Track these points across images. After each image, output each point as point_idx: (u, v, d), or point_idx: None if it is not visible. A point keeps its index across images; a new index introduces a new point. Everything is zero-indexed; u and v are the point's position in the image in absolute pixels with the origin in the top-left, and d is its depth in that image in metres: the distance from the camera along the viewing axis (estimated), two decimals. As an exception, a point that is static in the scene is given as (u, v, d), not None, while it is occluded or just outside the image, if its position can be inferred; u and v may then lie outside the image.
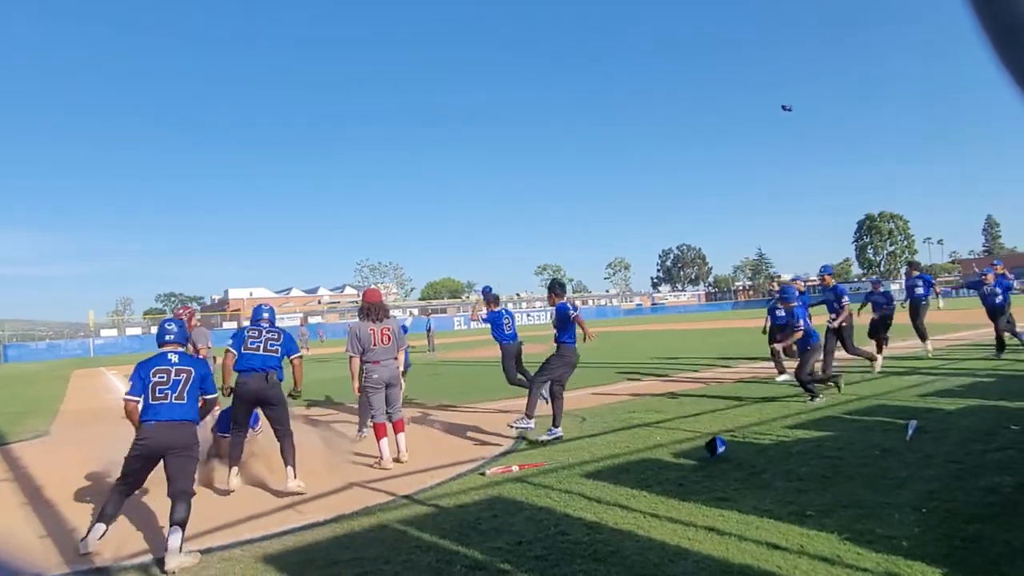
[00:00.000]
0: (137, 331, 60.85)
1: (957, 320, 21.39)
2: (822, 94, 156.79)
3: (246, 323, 6.13)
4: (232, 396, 5.87)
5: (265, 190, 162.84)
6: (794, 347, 10.18)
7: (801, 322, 8.70)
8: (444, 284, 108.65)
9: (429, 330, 26.93)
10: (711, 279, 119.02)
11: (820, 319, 9.73)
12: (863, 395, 8.47)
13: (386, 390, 6.55)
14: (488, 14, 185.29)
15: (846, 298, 10.02)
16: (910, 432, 6.02)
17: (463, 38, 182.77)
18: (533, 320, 65.11)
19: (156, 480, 5.10)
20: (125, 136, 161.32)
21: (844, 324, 9.91)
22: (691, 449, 6.10)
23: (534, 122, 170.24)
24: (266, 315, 6.23)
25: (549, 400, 7.34)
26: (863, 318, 12.15)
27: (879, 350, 11.49)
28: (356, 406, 8.44)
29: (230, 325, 63.84)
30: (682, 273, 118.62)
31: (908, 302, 12.77)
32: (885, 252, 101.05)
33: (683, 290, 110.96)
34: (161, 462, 4.44)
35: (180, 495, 4.28)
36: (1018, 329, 11.80)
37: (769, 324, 11.59)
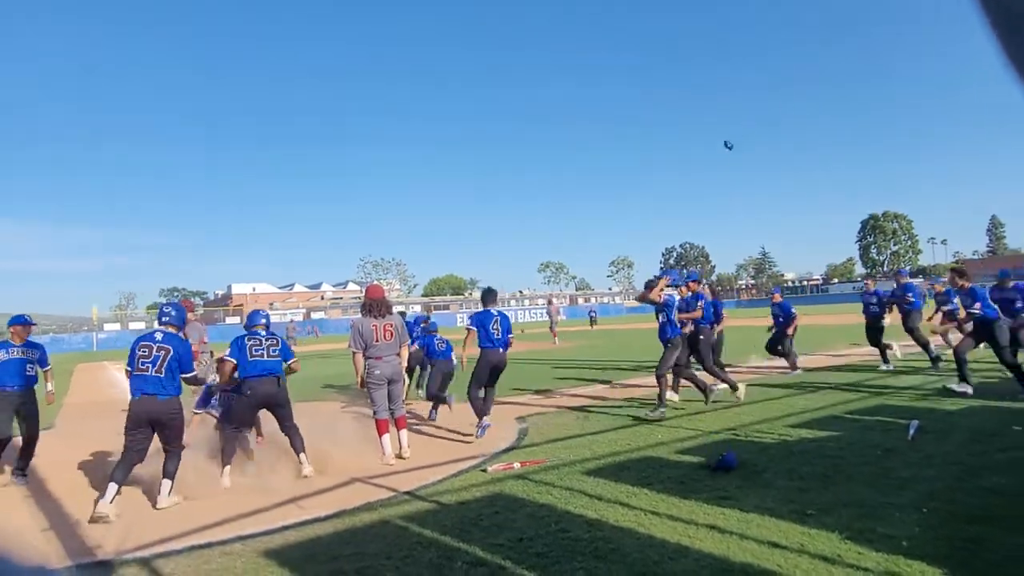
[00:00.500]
0: (140, 325, 60.82)
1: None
2: (826, 93, 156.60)
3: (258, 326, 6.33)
4: (241, 398, 6.12)
5: (268, 185, 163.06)
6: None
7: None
8: (447, 281, 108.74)
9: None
10: (714, 277, 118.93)
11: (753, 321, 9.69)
12: (865, 394, 8.46)
13: (388, 386, 6.55)
14: (479, 13, 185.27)
15: (701, 301, 9.24)
16: (912, 432, 6.01)
17: (468, 34, 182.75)
18: (535, 317, 65.77)
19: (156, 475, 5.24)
20: (128, 131, 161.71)
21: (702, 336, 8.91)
22: (693, 447, 6.10)
23: (536, 119, 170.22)
24: (263, 321, 6.43)
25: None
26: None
27: (884, 358, 10.97)
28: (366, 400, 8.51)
29: (233, 320, 64.10)
30: (685, 271, 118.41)
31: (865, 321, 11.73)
32: (889, 252, 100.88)
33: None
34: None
35: (170, 452, 5.28)
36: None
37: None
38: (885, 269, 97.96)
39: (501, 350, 7.39)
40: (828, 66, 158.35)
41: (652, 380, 9.89)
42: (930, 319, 11.32)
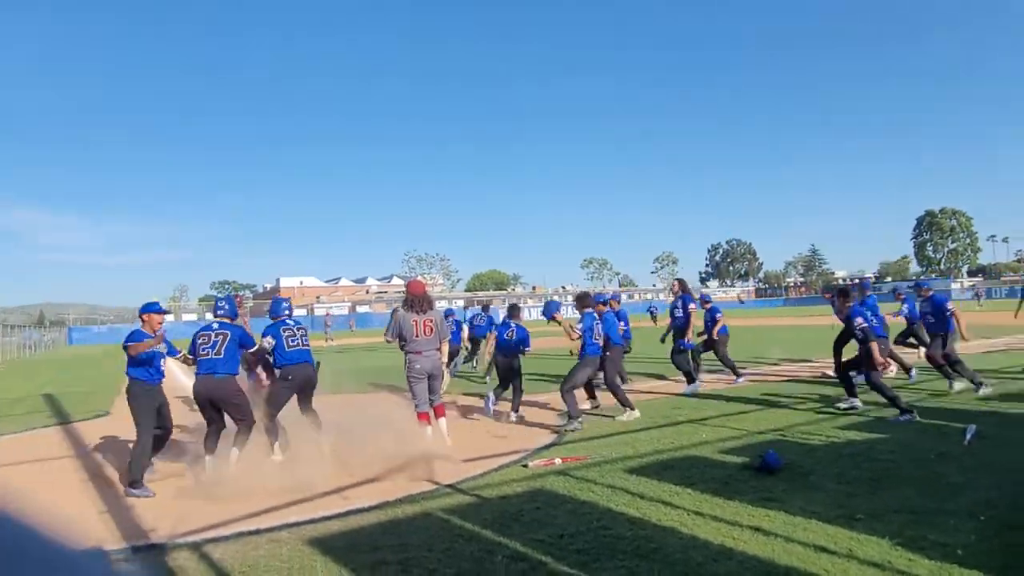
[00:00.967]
0: (192, 317, 62.79)
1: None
2: (884, 89, 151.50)
3: (297, 311, 6.78)
4: (282, 383, 6.51)
5: (318, 181, 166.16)
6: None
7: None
8: (490, 276, 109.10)
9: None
10: (761, 275, 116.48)
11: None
12: (919, 397, 8.18)
13: (428, 380, 6.66)
14: (536, 13, 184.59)
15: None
16: (969, 436, 5.78)
17: (519, 30, 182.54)
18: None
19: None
20: (182, 129, 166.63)
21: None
22: (737, 448, 6.00)
23: (579, 114, 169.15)
24: (286, 307, 6.94)
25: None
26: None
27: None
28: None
29: (280, 313, 65.32)
30: (731, 268, 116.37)
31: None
32: (946, 250, 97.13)
33: (732, 285, 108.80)
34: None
35: (240, 425, 5.87)
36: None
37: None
38: (942, 267, 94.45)
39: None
40: (886, 60, 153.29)
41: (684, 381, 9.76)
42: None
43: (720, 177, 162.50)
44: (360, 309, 71.68)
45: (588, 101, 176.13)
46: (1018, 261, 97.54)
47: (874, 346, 7.06)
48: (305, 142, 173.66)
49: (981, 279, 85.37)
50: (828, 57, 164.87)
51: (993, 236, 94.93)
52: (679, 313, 9.75)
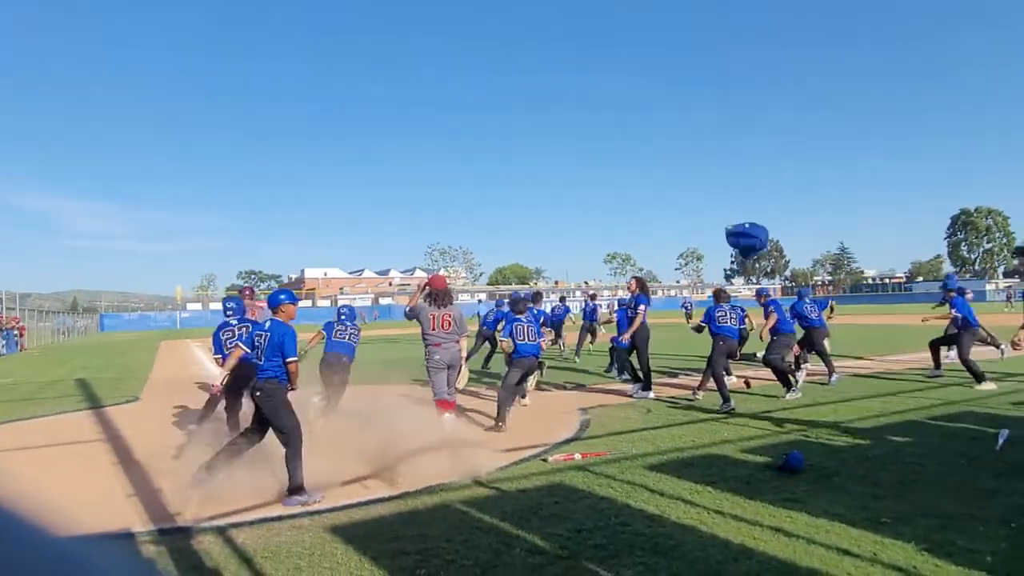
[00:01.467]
0: (219, 306, 63.73)
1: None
2: (921, 85, 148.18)
3: (321, 302, 7.44)
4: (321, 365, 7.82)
5: (342, 173, 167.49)
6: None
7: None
8: (512, 270, 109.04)
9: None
10: (788, 272, 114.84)
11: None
12: (951, 400, 8.00)
13: (447, 371, 6.81)
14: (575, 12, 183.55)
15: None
16: (1001, 441, 5.63)
17: (549, 22, 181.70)
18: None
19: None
20: (218, 120, 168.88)
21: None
22: (759, 447, 5.92)
23: (606, 106, 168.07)
24: (345, 312, 8.37)
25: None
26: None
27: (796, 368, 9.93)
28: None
29: (305, 303, 66.26)
30: (757, 265, 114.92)
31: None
32: (981, 250, 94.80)
33: (758, 283, 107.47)
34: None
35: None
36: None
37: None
38: (977, 268, 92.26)
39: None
40: (920, 57, 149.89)
41: (701, 378, 9.65)
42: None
43: (747, 174, 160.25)
44: (383, 301, 72.15)
45: (617, 94, 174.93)
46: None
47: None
48: (332, 133, 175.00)
49: (1017, 280, 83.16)
50: (860, 54, 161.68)
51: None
52: (630, 313, 9.55)
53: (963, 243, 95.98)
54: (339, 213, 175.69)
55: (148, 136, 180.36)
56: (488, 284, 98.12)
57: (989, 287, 68.37)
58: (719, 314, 8.81)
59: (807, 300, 10.48)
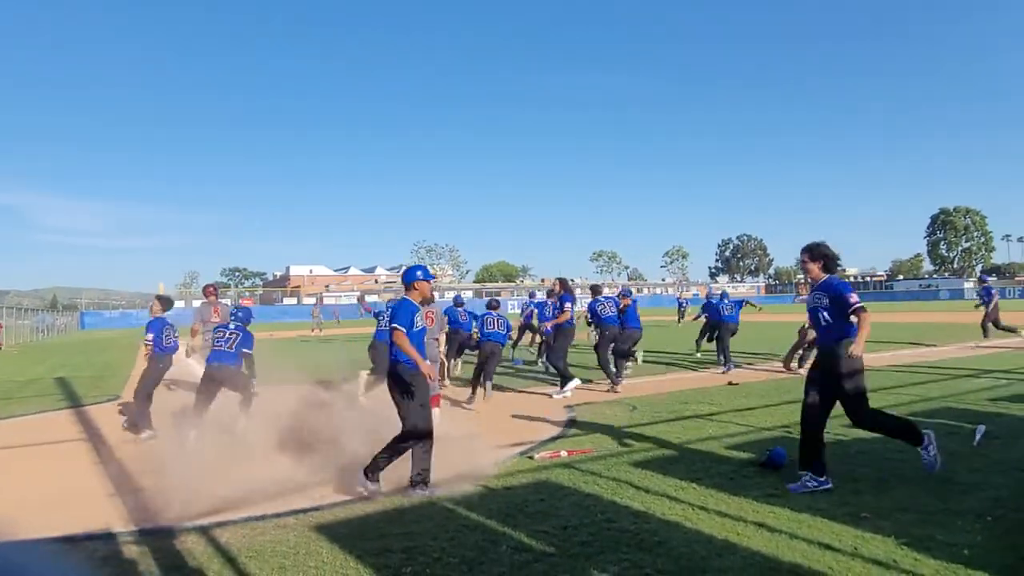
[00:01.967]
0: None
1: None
2: (896, 84, 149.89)
3: (307, 299, 7.48)
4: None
5: (328, 170, 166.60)
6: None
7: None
8: (499, 268, 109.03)
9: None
10: (771, 271, 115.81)
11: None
12: (929, 396, 8.13)
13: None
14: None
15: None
16: (978, 437, 5.74)
17: (532, 22, 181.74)
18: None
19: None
20: (197, 115, 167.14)
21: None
22: (743, 443, 5.98)
23: (591, 106, 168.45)
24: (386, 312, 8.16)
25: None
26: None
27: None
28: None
29: (290, 301, 65.98)
30: (741, 264, 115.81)
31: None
32: (960, 249, 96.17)
33: (742, 281, 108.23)
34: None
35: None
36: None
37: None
38: (955, 266, 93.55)
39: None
40: (900, 56, 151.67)
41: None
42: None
43: (731, 172, 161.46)
44: (369, 298, 71.85)
45: (601, 93, 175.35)
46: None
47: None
48: (317, 131, 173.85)
49: (994, 278, 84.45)
50: (841, 52, 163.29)
51: (1008, 236, 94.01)
52: (554, 312, 10.07)
53: (942, 242, 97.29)
54: (325, 211, 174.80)
55: (132, 134, 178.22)
56: (475, 282, 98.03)
57: (967, 285, 69.32)
58: (599, 307, 9.97)
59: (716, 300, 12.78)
